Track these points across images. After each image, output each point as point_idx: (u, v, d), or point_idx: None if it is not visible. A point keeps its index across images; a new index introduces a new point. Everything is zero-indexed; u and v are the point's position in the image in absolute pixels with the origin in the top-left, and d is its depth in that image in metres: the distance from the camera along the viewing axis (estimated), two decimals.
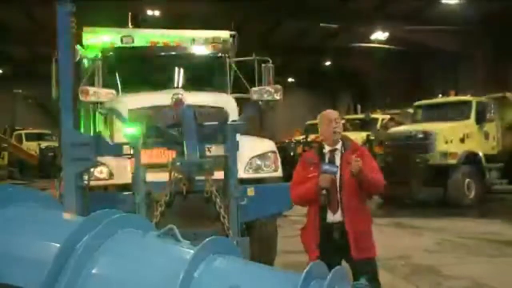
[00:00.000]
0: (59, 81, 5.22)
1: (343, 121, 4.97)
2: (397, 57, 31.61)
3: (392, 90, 32.78)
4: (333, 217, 4.40)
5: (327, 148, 4.57)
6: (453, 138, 13.87)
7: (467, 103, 14.83)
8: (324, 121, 4.59)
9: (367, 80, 37.44)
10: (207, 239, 1.54)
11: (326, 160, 4.50)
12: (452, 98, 15.90)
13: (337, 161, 4.49)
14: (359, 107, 24.49)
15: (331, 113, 4.65)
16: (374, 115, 21.04)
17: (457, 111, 14.84)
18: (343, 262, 4.31)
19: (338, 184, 4.39)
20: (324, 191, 4.30)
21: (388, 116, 20.49)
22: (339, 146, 4.56)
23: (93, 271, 1.53)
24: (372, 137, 15.15)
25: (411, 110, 17.27)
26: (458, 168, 13.48)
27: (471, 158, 13.77)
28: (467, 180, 13.59)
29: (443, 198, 13.82)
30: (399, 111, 20.92)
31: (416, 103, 16.52)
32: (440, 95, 17.01)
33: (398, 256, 8.13)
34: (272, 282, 1.50)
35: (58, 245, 1.56)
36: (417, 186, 13.45)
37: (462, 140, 13.96)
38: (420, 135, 13.81)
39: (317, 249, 4.36)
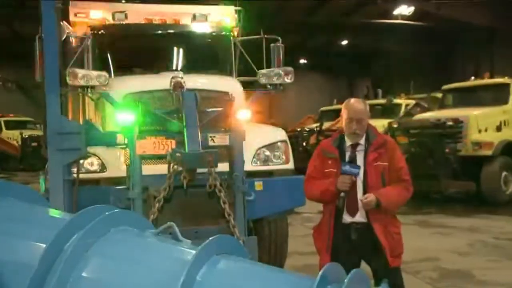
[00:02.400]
0: (43, 62, 5.23)
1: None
2: (424, 35, 31.42)
3: (418, 72, 32.61)
4: (352, 218, 4.39)
5: (348, 142, 4.50)
6: (487, 126, 13.77)
7: (505, 86, 14.70)
8: (345, 115, 4.48)
9: (389, 61, 37.26)
10: (210, 238, 1.54)
11: (347, 157, 4.45)
12: (487, 80, 15.77)
13: (360, 159, 4.43)
14: (379, 91, 24.31)
15: (355, 109, 4.46)
16: (397, 100, 20.92)
17: (492, 95, 14.72)
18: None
19: (361, 184, 4.37)
20: (342, 193, 4.28)
21: (413, 101, 20.38)
22: (362, 140, 4.49)
23: (83, 274, 1.54)
24: (395, 125, 15.04)
25: (439, 95, 17.17)
26: (494, 159, 13.39)
27: (509, 148, 13.68)
28: (504, 173, 13.50)
29: (475, 194, 13.77)
30: (426, 96, 20.80)
31: (445, 87, 16.41)
32: (473, 78, 16.88)
33: (424, 259, 8.13)
34: (283, 286, 1.50)
35: (43, 245, 1.57)
36: (446, 180, 13.39)
37: (498, 128, 13.86)
38: (450, 123, 13.72)
39: (328, 254, 4.37)
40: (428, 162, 13.12)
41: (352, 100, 4.58)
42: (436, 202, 13.83)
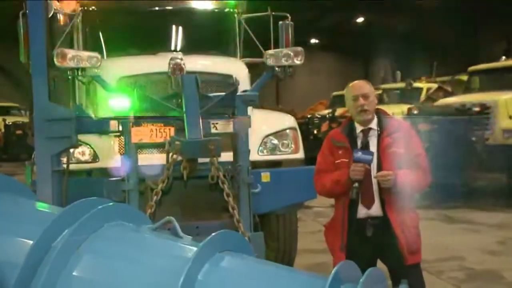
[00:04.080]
0: (28, 41, 5.22)
1: (379, 92, 4.86)
2: (447, 10, 31.24)
3: (441, 52, 32.48)
4: (368, 211, 4.39)
5: (358, 128, 4.51)
6: None
7: None
8: (349, 96, 4.52)
9: (409, 40, 37.10)
10: (213, 234, 1.54)
11: (359, 144, 4.44)
12: None
13: (373, 146, 4.43)
14: (398, 73, 24.25)
15: (359, 86, 4.53)
16: (417, 84, 20.86)
17: None
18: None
19: (376, 172, 4.36)
20: (356, 183, 4.27)
21: (436, 85, 20.32)
22: (374, 124, 4.49)
23: (74, 273, 1.54)
24: (415, 111, 15.01)
25: (464, 77, 17.09)
26: None
27: None
28: None
29: (506, 186, 13.73)
30: (450, 79, 20.74)
31: (472, 68, 16.33)
32: (503, 58, 16.77)
33: (449, 258, 8.13)
34: (292, 286, 1.50)
35: (30, 242, 1.58)
36: (473, 171, 13.37)
37: None
38: (477, 108, 13.65)
39: (343, 252, 4.37)
40: (453, 151, 13.07)
41: (355, 81, 4.65)
42: (462, 195, 13.77)
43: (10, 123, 26.12)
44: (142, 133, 5.13)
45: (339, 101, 21.04)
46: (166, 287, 1.40)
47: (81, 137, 5.33)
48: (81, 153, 5.85)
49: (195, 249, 1.50)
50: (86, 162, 5.90)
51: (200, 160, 5.12)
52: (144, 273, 1.53)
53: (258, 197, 5.53)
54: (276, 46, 6.54)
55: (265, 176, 5.87)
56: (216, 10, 7.74)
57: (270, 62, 5.81)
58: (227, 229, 1.65)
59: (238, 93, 5.49)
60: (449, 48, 33.14)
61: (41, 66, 4.92)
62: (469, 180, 13.58)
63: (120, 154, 5.44)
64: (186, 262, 1.42)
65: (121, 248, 1.63)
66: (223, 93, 5.54)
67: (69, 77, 5.95)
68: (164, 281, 1.43)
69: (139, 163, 5.15)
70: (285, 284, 1.51)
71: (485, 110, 13.47)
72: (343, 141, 4.49)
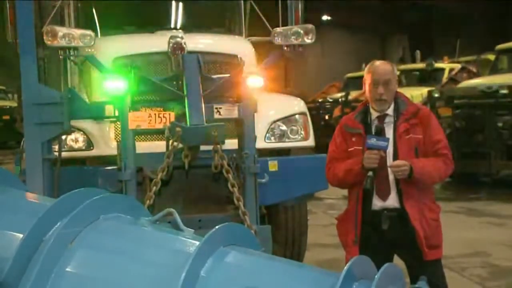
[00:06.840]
0: (15, 18, 5.22)
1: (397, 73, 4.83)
2: None
3: (465, 28, 32.32)
4: (383, 203, 4.39)
5: (374, 114, 4.49)
6: None
7: None
8: (369, 79, 4.48)
9: (430, 16, 36.91)
10: (217, 227, 1.55)
11: (373, 130, 4.44)
12: None
13: (389, 133, 4.41)
14: (418, 53, 24.12)
15: (381, 70, 4.47)
16: (439, 64, 20.78)
17: None
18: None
19: (392, 161, 4.36)
20: (370, 172, 4.27)
21: (459, 65, 20.25)
22: (390, 110, 4.46)
23: (68, 268, 1.55)
24: (436, 94, 14.93)
25: (491, 57, 17.00)
26: None
27: None
28: None
29: None
30: (475, 58, 20.64)
31: (500, 46, 16.19)
32: None
33: (472, 254, 8.13)
34: (301, 283, 1.51)
35: (20, 235, 1.59)
36: (499, 160, 13.33)
37: None
38: (504, 91, 13.57)
39: (356, 246, 4.38)
40: (477, 138, 13.03)
41: (377, 62, 4.59)
42: (486, 186, 13.75)
43: None
44: (140, 119, 5.14)
45: (353, 83, 21.02)
46: (167, 284, 1.41)
47: (74, 122, 5.35)
48: (74, 140, 5.85)
49: (197, 243, 1.51)
50: (79, 149, 5.90)
51: (203, 147, 5.13)
52: (142, 269, 1.54)
53: (265, 188, 5.53)
54: (285, 23, 6.52)
55: (273, 165, 5.87)
56: None
57: (278, 40, 5.80)
58: (231, 222, 1.66)
59: (243, 75, 5.48)
60: (475, 24, 32.94)
61: (29, 45, 4.92)
62: (494, 169, 13.53)
63: (116, 141, 5.44)
64: (188, 257, 1.43)
65: (118, 242, 1.64)
66: (227, 75, 5.54)
67: (60, 57, 5.97)
68: (164, 277, 1.44)
69: (137, 151, 5.16)
70: (294, 281, 1.52)
71: None
72: (357, 127, 4.48)
